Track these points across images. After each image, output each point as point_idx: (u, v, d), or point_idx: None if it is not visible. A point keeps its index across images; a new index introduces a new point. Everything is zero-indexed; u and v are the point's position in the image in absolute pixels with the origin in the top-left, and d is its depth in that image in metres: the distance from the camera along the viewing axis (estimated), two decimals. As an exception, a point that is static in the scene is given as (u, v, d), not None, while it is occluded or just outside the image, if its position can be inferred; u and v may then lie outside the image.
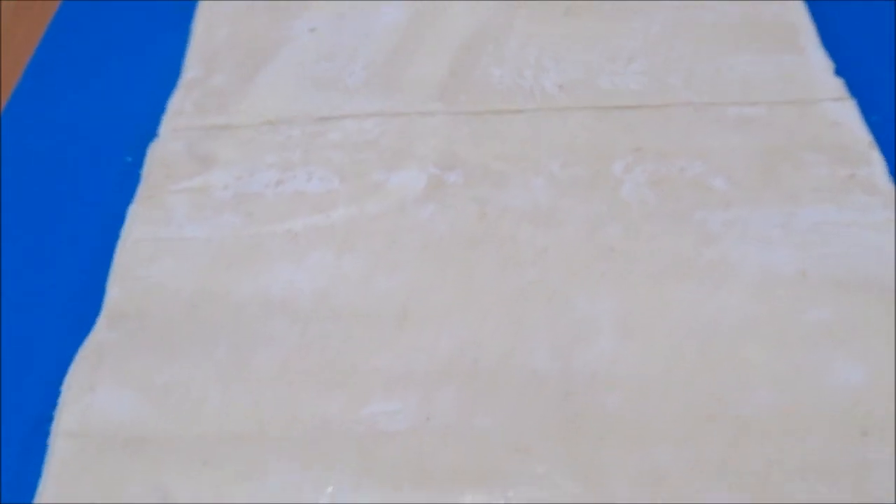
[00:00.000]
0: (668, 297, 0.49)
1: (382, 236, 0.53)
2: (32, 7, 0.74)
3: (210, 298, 0.50)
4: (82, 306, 0.52)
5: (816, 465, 0.43)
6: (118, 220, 0.56)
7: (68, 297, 0.53)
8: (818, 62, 0.63)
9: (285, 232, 0.54)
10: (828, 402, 0.45)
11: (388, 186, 0.56)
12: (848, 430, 0.44)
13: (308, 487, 0.43)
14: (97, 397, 0.46)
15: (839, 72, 0.63)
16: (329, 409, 0.45)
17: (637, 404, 0.45)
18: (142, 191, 0.57)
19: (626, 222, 0.53)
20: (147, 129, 0.62)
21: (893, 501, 0.42)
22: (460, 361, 0.47)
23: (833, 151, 0.57)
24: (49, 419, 0.46)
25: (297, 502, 0.42)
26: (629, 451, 0.43)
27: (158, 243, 0.54)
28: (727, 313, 0.48)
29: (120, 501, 0.42)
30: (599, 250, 0.52)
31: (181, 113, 0.62)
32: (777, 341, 0.47)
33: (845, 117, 0.60)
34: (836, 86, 0.62)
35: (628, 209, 0.54)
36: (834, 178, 0.56)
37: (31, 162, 0.61)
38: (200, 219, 0.55)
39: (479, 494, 0.42)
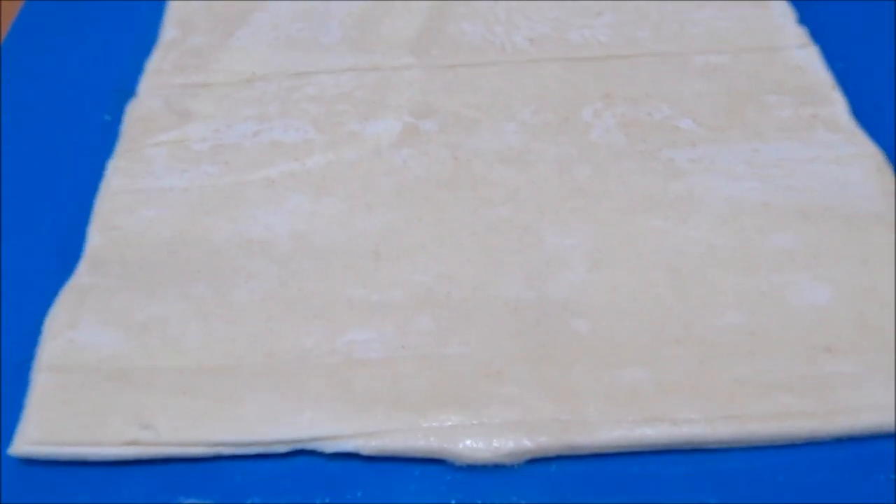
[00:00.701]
0: (636, 230, 0.51)
1: (358, 180, 0.54)
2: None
3: (189, 242, 0.51)
4: (63, 256, 0.52)
5: (782, 381, 0.44)
6: (97, 175, 0.57)
7: (49, 249, 0.54)
8: (782, 12, 0.65)
9: (262, 179, 0.55)
10: (793, 323, 0.46)
11: (364, 134, 0.57)
12: (813, 348, 0.45)
13: (285, 415, 0.43)
14: (78, 334, 0.47)
15: (804, 21, 0.65)
16: (306, 340, 0.46)
17: (607, 329, 0.46)
18: (120, 145, 0.58)
19: (595, 162, 0.54)
20: (125, 90, 0.62)
21: (860, 415, 0.43)
22: (434, 293, 0.48)
23: (797, 94, 0.59)
24: (31, 360, 0.47)
25: (274, 428, 0.43)
26: (599, 373, 0.44)
27: (137, 194, 0.55)
28: (694, 242, 0.50)
29: (102, 432, 0.43)
30: (569, 188, 0.53)
31: (159, 72, 0.63)
32: (742, 267, 0.48)
33: (808, 62, 0.61)
34: (799, 33, 0.63)
35: (597, 150, 0.55)
36: (797, 118, 0.57)
37: (12, 122, 0.62)
38: (179, 170, 0.56)
39: (454, 416, 0.43)
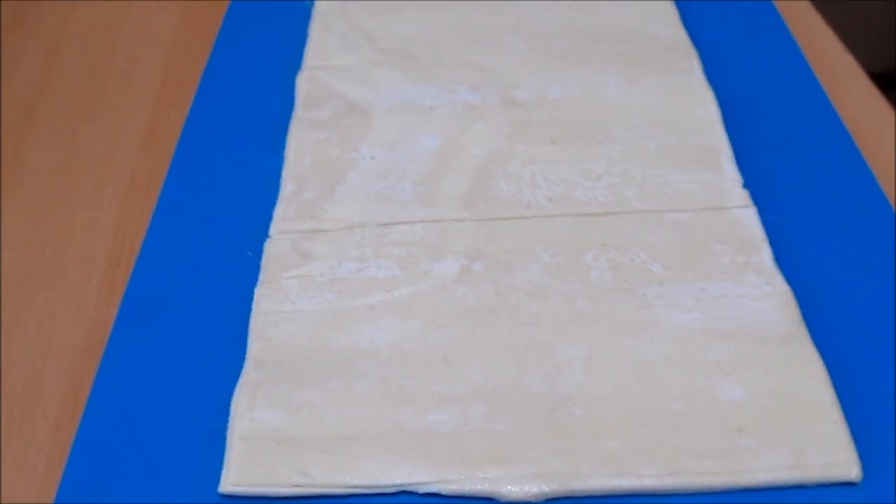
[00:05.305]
0: (618, 346, 0.74)
1: (431, 307, 0.78)
2: (155, 142, 1.01)
3: (320, 349, 0.76)
4: (233, 357, 0.77)
5: (708, 450, 0.67)
6: (248, 298, 0.82)
7: (222, 352, 0.78)
8: (731, 177, 0.89)
9: (365, 305, 0.79)
10: (717, 411, 0.69)
11: (433, 273, 0.81)
12: (729, 429, 0.69)
13: (390, 468, 0.67)
14: (255, 414, 0.71)
15: (748, 183, 0.89)
16: (402, 419, 0.70)
17: (597, 414, 0.70)
18: (263, 277, 0.82)
19: (591, 296, 0.78)
20: (260, 231, 0.87)
21: (757, 474, 0.67)
22: (484, 388, 0.72)
23: (736, 244, 0.82)
24: (218, 432, 0.71)
25: (386, 477, 0.68)
26: (591, 443, 0.68)
27: (279, 314, 0.79)
28: (655, 356, 0.73)
29: (276, 478, 0.68)
30: (574, 315, 0.77)
31: (284, 219, 0.87)
32: (687, 373, 0.72)
33: (747, 219, 0.84)
34: (743, 195, 0.87)
35: (594, 287, 0.79)
36: (734, 264, 0.81)
37: (179, 259, 0.86)
38: (306, 297, 0.80)
39: (498, 469, 0.67)
